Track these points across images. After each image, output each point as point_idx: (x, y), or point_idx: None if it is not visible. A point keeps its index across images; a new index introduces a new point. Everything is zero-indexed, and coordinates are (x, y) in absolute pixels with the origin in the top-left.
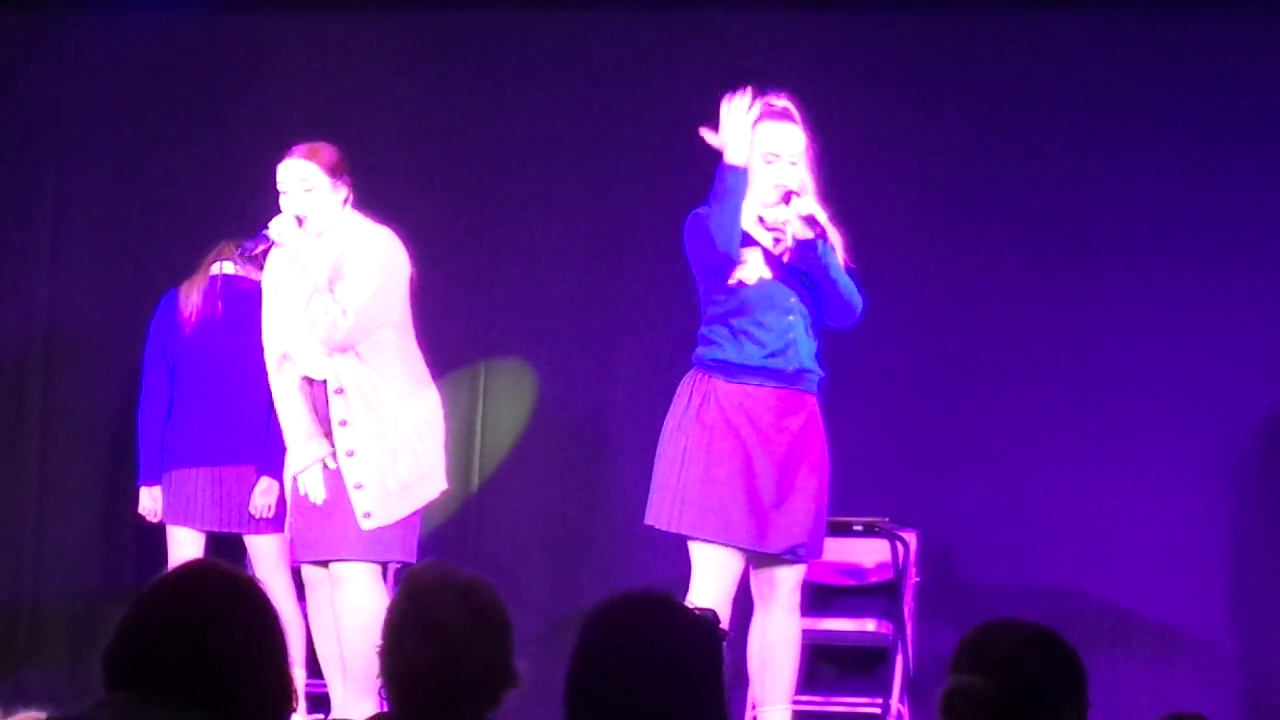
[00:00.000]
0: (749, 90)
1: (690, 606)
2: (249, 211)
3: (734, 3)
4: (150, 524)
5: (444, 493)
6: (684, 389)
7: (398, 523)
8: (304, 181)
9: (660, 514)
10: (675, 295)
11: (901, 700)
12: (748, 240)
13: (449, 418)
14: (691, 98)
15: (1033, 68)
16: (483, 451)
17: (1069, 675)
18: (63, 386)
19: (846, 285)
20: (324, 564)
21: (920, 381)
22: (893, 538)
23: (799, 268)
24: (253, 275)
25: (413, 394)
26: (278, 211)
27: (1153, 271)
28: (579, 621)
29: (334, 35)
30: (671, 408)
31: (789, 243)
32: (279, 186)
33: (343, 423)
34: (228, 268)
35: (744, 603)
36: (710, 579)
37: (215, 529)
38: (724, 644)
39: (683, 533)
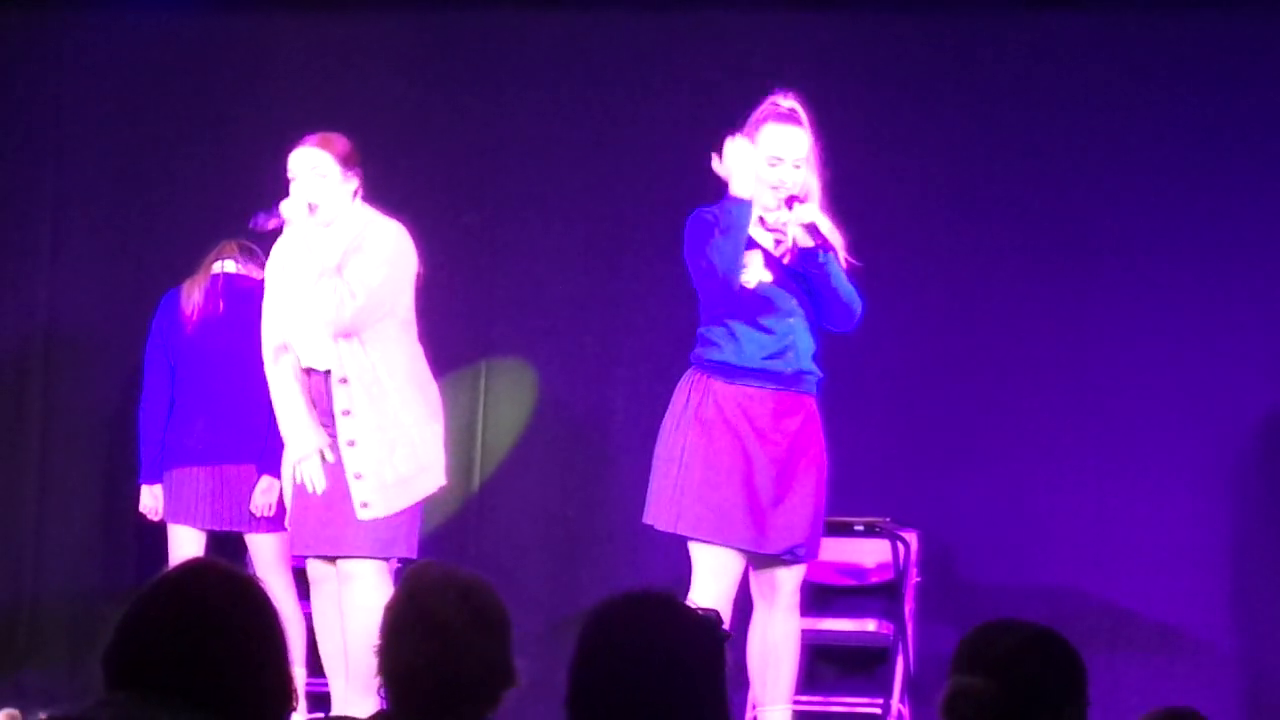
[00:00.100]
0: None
1: (692, 606)
2: (249, 211)
3: (734, 3)
4: (150, 523)
5: (444, 491)
6: (682, 388)
7: (403, 519)
8: (316, 169)
9: (659, 514)
10: (675, 295)
11: (902, 700)
12: (749, 243)
13: (450, 417)
14: (691, 98)
15: (1033, 68)
16: (483, 451)
17: (1070, 675)
18: (63, 386)
19: (847, 291)
20: (329, 560)
21: (920, 381)
22: (893, 538)
23: (799, 271)
24: (254, 274)
25: (414, 388)
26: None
27: (1153, 271)
28: (580, 621)
29: (334, 35)
30: (669, 407)
31: (789, 244)
32: (290, 173)
33: (345, 412)
34: (229, 266)
35: (744, 603)
36: (711, 579)
37: (216, 528)
38: (725, 644)
39: (681, 533)
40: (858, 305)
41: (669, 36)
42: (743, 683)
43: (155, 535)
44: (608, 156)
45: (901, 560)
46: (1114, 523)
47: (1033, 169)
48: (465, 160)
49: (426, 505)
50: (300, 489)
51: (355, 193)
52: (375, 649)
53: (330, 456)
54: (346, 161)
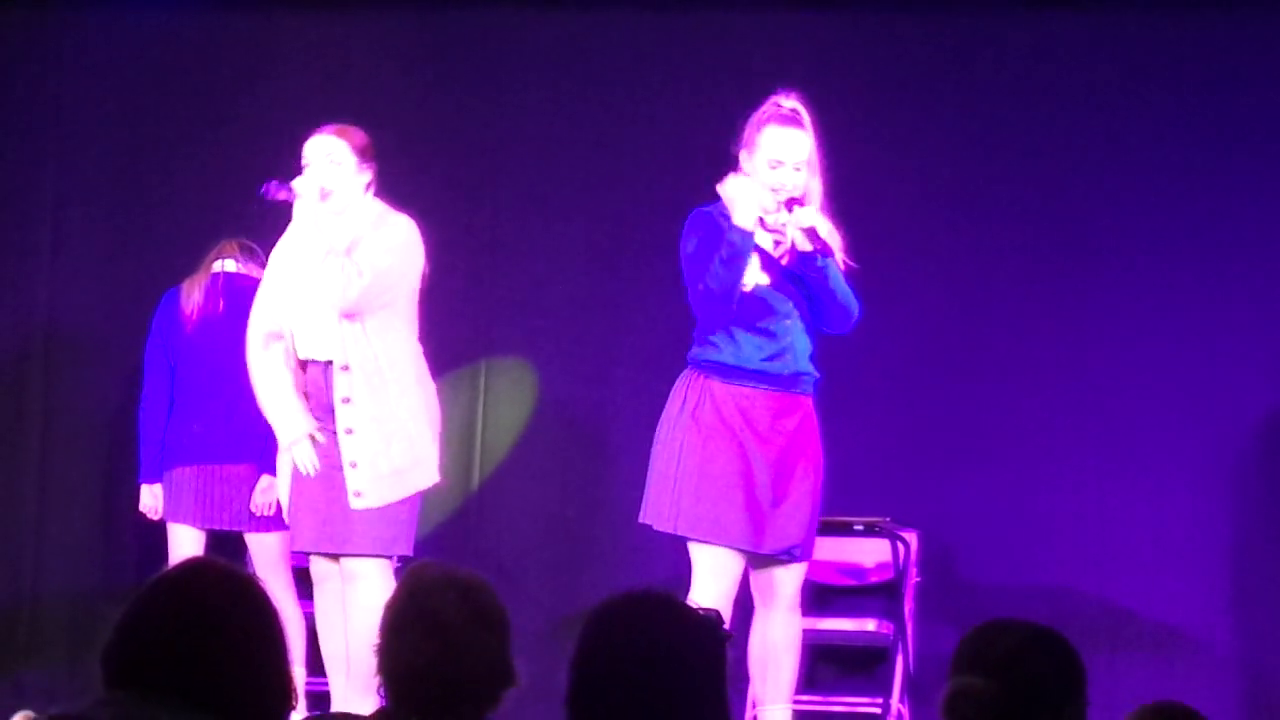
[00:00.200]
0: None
1: (693, 606)
2: (249, 211)
3: (734, 3)
4: (150, 522)
5: (444, 490)
6: (679, 389)
7: (403, 517)
8: (332, 156)
9: (657, 514)
10: (675, 295)
11: (902, 700)
12: None
13: (450, 417)
14: (691, 98)
15: (1033, 68)
16: (483, 451)
17: (1070, 675)
18: (63, 386)
19: (844, 294)
20: (332, 559)
21: (920, 381)
22: (893, 538)
23: (797, 273)
24: (254, 273)
25: (412, 383)
26: (275, 213)
27: (1153, 271)
28: (581, 620)
29: (334, 35)
30: (666, 408)
31: (788, 245)
32: (304, 160)
33: (345, 400)
34: (229, 266)
35: (744, 603)
36: (711, 579)
37: (216, 527)
38: (726, 644)
39: (680, 533)
40: (855, 307)
41: (669, 36)
42: (743, 682)
43: (155, 535)
44: (608, 156)
45: (901, 560)
46: (1114, 523)
47: (1033, 169)
48: (466, 160)
49: (426, 504)
50: (300, 487)
51: (368, 186)
52: (375, 648)
53: (321, 438)
54: (363, 154)
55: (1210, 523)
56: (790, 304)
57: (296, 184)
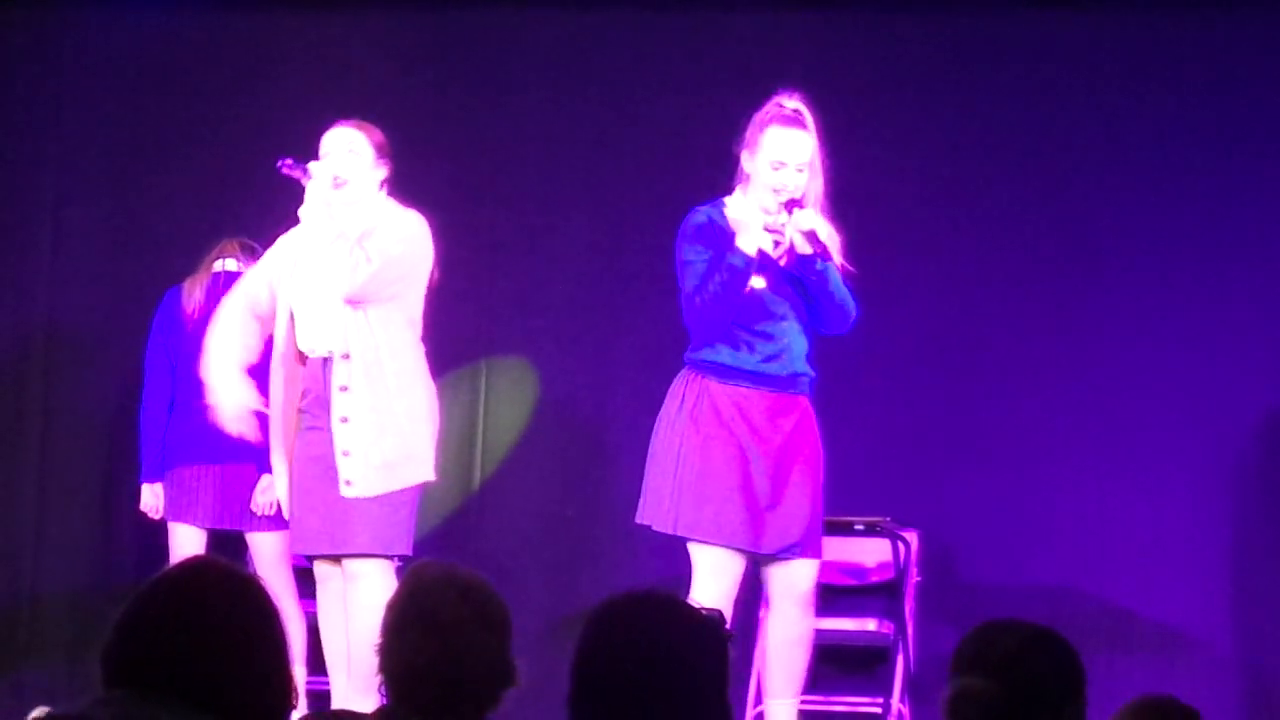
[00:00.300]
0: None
1: (695, 606)
2: (249, 211)
3: (734, 3)
4: (151, 522)
5: (442, 489)
6: (677, 389)
7: (401, 515)
8: (351, 147)
9: (655, 515)
10: (676, 295)
11: (902, 700)
12: None
13: (450, 416)
14: (692, 98)
15: (1033, 68)
16: (483, 450)
17: (1070, 675)
18: (63, 386)
19: (842, 297)
20: (334, 559)
21: (920, 381)
22: (894, 537)
23: (795, 274)
24: None
25: (412, 379)
26: (276, 213)
27: (1153, 271)
28: (582, 620)
29: (334, 34)
30: (663, 408)
31: (787, 245)
32: (322, 150)
33: (343, 388)
34: (230, 265)
35: (745, 602)
36: (711, 579)
37: (216, 526)
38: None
39: (680, 534)
40: (853, 309)
41: (669, 36)
42: (744, 682)
43: (155, 534)
44: (608, 156)
45: (902, 560)
46: (1114, 523)
47: (1033, 169)
48: (466, 159)
49: (426, 504)
50: (299, 486)
51: (383, 184)
52: (376, 647)
53: (260, 405)
54: (380, 150)
55: (1210, 523)
56: (787, 305)
57: (313, 166)
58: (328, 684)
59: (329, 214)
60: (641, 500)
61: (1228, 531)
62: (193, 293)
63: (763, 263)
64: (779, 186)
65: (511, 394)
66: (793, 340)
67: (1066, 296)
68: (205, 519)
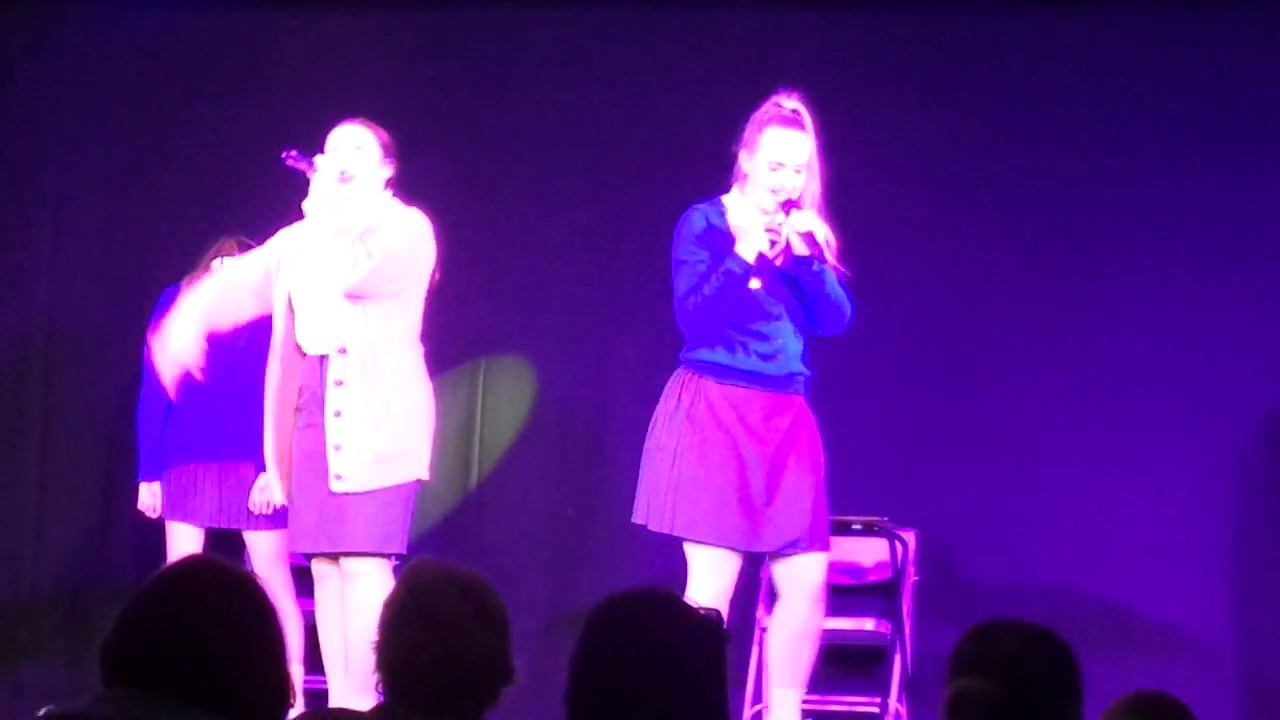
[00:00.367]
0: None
1: (693, 605)
2: (248, 211)
3: (734, 3)
4: (149, 520)
5: (441, 488)
6: (673, 388)
7: (396, 514)
8: (358, 143)
9: (652, 514)
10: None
11: (900, 699)
12: None
13: (448, 415)
14: (692, 97)
15: (1033, 68)
16: (482, 449)
17: (1069, 675)
18: (63, 386)
19: (838, 298)
20: (332, 558)
21: (920, 381)
22: (891, 537)
23: (791, 275)
24: None
25: (408, 378)
26: (275, 212)
27: (1153, 271)
28: (581, 619)
29: (334, 34)
30: (659, 407)
31: (783, 245)
32: (328, 145)
33: (338, 382)
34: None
35: (744, 602)
36: (707, 579)
37: (214, 525)
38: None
39: (677, 534)
40: (848, 310)
41: (669, 36)
42: (742, 682)
43: (154, 533)
44: (608, 156)
45: (899, 559)
46: (1114, 523)
47: (1033, 169)
48: (466, 159)
49: (425, 503)
50: (297, 486)
51: (388, 183)
52: (374, 645)
53: (198, 375)
54: (387, 149)
55: (1210, 523)
56: (782, 305)
57: (319, 159)
58: (325, 683)
59: (333, 208)
60: (637, 500)
61: (1228, 531)
62: None
63: (759, 263)
64: (777, 187)
65: (510, 392)
66: (788, 340)
67: (1066, 296)
68: (202, 518)
